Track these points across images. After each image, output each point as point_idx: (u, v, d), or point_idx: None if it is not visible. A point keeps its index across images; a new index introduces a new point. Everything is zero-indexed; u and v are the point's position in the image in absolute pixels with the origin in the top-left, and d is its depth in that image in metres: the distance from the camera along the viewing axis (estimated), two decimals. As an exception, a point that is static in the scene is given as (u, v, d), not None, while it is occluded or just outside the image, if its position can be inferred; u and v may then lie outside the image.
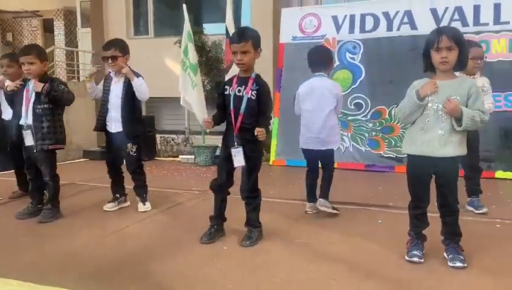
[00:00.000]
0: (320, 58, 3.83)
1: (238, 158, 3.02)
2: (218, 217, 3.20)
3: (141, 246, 3.08)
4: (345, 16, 6.60)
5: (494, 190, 4.65)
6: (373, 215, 3.81)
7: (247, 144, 3.04)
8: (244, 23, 8.62)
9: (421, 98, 2.54)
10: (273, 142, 6.74)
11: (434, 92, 2.54)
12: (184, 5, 6.65)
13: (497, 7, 5.80)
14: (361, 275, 2.53)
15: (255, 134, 2.88)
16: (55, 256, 2.89)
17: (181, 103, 6.66)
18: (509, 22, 5.71)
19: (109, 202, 4.04)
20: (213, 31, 8.46)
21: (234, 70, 6.20)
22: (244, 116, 3.01)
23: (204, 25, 8.68)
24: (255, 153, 3.10)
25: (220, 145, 6.76)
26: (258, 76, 3.09)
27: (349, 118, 6.27)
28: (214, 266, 2.71)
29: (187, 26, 6.60)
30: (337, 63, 6.38)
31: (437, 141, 2.55)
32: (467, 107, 2.54)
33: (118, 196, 4.07)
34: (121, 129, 3.85)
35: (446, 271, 2.56)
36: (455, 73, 2.68)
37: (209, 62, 7.59)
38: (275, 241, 3.12)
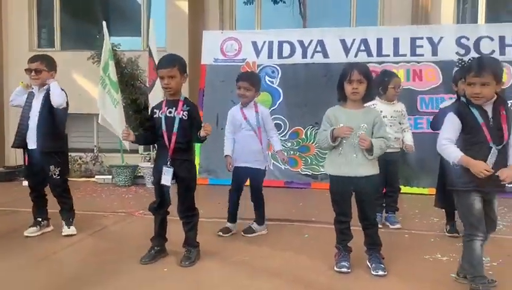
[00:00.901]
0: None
1: (167, 177, 3.09)
2: (159, 237, 3.23)
3: (74, 273, 2.98)
4: (264, 41, 7.00)
5: (399, 204, 5.22)
6: (299, 230, 4.09)
7: (182, 165, 3.13)
8: (159, 43, 8.59)
9: (334, 140, 2.86)
10: (196, 161, 6.81)
11: (347, 136, 2.85)
12: (104, 22, 6.52)
13: (396, 41, 6.61)
14: (300, 287, 2.74)
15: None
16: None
17: (99, 121, 6.47)
18: (406, 55, 6.53)
19: (30, 227, 3.81)
20: (127, 46, 8.38)
21: (156, 89, 6.30)
22: (178, 136, 3.09)
23: (117, 39, 8.54)
24: (190, 173, 3.21)
25: (139, 164, 6.73)
26: (186, 98, 3.22)
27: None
28: (154, 288, 2.73)
29: (107, 43, 6.47)
30: (257, 85, 6.70)
31: (353, 163, 2.89)
32: (372, 133, 2.92)
33: (40, 219, 3.86)
34: (44, 148, 3.70)
35: (370, 279, 2.88)
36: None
37: (124, 79, 7.48)
38: (213, 261, 3.22)
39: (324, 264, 3.10)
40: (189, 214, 3.20)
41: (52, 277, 2.90)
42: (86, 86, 8.43)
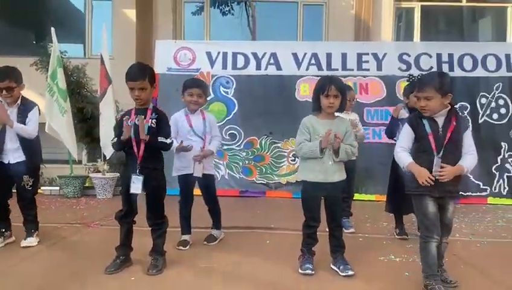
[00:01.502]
0: None
1: (137, 185, 3.08)
2: (124, 246, 3.20)
3: (39, 285, 2.88)
4: (218, 52, 7.09)
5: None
6: (260, 237, 4.20)
7: (151, 173, 3.14)
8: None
9: (323, 152, 3.03)
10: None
11: (333, 143, 3.03)
12: (52, 29, 6.32)
13: (343, 56, 6.97)
14: (269, 290, 2.85)
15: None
16: None
17: (46, 130, 6.22)
18: (353, 69, 6.91)
19: (-5, 238, 3.65)
20: (73, 53, 8.14)
21: (107, 98, 6.18)
22: (147, 145, 3.09)
23: (61, 45, 8.29)
24: (159, 181, 3.22)
25: (89, 175, 6.54)
26: (154, 107, 3.24)
27: (225, 147, 6.68)
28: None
29: (56, 50, 6.27)
30: (212, 95, 6.78)
31: (329, 170, 3.08)
32: (342, 141, 3.12)
33: (4, 230, 3.74)
34: (20, 160, 3.67)
35: (333, 280, 3.04)
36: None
37: (70, 87, 7.25)
38: (180, 268, 3.23)
39: (288, 268, 3.22)
40: (159, 222, 3.22)
41: (16, 289, 2.79)
42: (26, 94, 8.06)
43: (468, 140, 2.76)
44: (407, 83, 4.36)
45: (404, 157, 2.80)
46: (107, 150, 6.17)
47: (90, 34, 9.44)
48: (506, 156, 6.53)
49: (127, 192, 3.14)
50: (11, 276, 3.05)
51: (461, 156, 2.75)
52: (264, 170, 6.68)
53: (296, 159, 6.61)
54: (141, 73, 3.08)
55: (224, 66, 7.05)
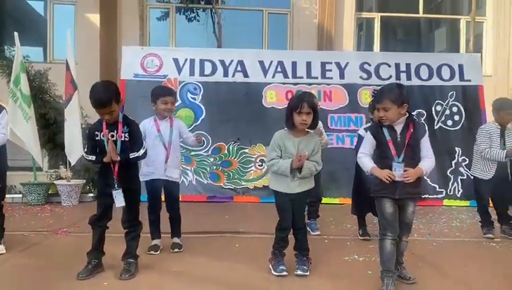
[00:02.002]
0: None
1: (119, 199, 3.15)
2: (96, 251, 3.23)
3: (8, 293, 2.88)
4: (186, 59, 7.17)
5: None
6: (230, 241, 4.30)
7: (127, 179, 3.20)
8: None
9: (293, 171, 3.18)
10: (116, 178, 6.70)
11: (301, 163, 3.16)
12: (16, 33, 6.18)
13: (308, 65, 7.21)
14: (240, 290, 2.96)
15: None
16: None
17: (9, 137, 6.06)
18: (317, 77, 7.15)
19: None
20: (34, 58, 7.99)
21: (72, 104, 6.12)
22: (122, 160, 3.16)
23: (23, 49, 8.10)
24: (135, 185, 3.31)
25: (54, 182, 6.44)
26: (124, 116, 3.27)
27: (192, 153, 6.74)
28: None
29: (19, 55, 6.15)
30: (180, 102, 6.84)
31: (293, 184, 3.24)
32: (308, 158, 3.24)
33: None
34: None
35: (301, 278, 3.18)
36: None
37: (32, 92, 7.10)
38: (152, 273, 3.29)
39: (259, 270, 3.35)
40: (135, 223, 3.30)
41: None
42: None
43: (425, 145, 2.98)
44: (372, 96, 4.54)
45: (366, 162, 3.00)
46: (72, 156, 6.10)
47: (52, 38, 9.30)
48: (460, 160, 6.94)
49: (103, 198, 3.19)
50: (-20, 285, 3.02)
51: (420, 160, 2.97)
52: (231, 175, 6.79)
53: (263, 164, 6.77)
54: (108, 98, 3.05)
55: (192, 73, 7.12)
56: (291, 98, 3.35)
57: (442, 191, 6.81)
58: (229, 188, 6.74)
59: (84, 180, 6.59)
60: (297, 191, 3.26)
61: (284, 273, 3.21)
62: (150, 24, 9.50)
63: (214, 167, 6.79)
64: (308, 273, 3.24)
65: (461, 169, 6.90)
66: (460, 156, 6.94)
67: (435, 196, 6.76)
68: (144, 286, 3.05)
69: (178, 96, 6.85)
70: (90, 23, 8.97)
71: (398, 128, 2.97)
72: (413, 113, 3.49)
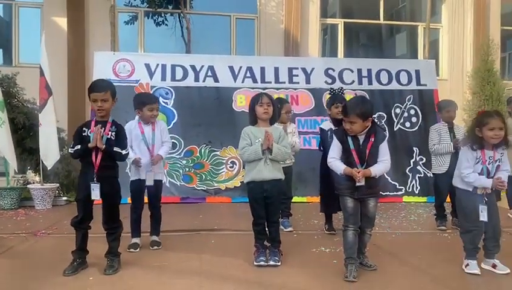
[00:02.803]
0: None
1: (96, 192, 3.34)
2: (80, 250, 3.42)
3: (-2, 291, 3.03)
4: (157, 64, 7.36)
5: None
6: (206, 238, 4.56)
7: (107, 181, 3.39)
8: (35, 60, 8.16)
9: (264, 153, 3.49)
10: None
11: (270, 143, 3.49)
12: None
13: (276, 70, 7.56)
14: (221, 281, 3.24)
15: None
16: None
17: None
18: (285, 82, 7.51)
19: None
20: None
21: (48, 109, 6.20)
22: (103, 154, 3.36)
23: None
24: (114, 188, 3.49)
25: (28, 186, 6.47)
26: (114, 121, 3.50)
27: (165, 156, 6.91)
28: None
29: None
30: (152, 106, 7.00)
31: (265, 169, 3.54)
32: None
33: None
34: None
35: (278, 269, 3.48)
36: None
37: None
38: (134, 268, 3.50)
39: (236, 261, 3.65)
40: (114, 226, 3.49)
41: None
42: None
43: (383, 150, 3.33)
44: (329, 94, 4.93)
45: (337, 164, 3.34)
46: (49, 160, 6.18)
47: (17, 42, 9.23)
48: (417, 159, 7.45)
49: (84, 199, 3.38)
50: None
51: None
52: (203, 177, 7.03)
53: (234, 165, 7.06)
54: (104, 86, 3.39)
55: (163, 78, 7.32)
56: (253, 96, 3.70)
57: (402, 189, 7.29)
58: (201, 189, 6.97)
59: (58, 184, 6.66)
60: (269, 177, 3.54)
61: (262, 263, 3.52)
62: (118, 28, 9.51)
63: (187, 169, 7.01)
64: (279, 263, 3.55)
65: (419, 167, 7.41)
66: (418, 156, 7.45)
67: (395, 193, 7.23)
68: (128, 279, 3.26)
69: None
70: (57, 27, 8.94)
71: (361, 138, 3.32)
72: (375, 117, 3.86)
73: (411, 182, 7.36)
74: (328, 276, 3.35)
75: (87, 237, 3.46)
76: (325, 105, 7.35)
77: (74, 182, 7.07)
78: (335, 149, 3.40)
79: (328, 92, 5.06)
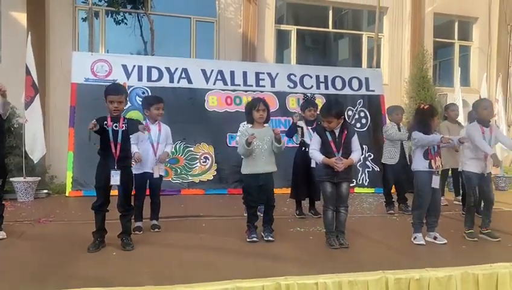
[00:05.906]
0: None
1: (116, 178, 3.94)
2: (101, 230, 3.98)
3: (37, 263, 3.51)
4: (134, 65, 7.84)
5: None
6: (196, 222, 5.21)
7: (124, 170, 3.99)
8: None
9: (249, 144, 4.18)
10: (69, 175, 7.17)
11: (253, 139, 4.19)
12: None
13: (244, 74, 8.30)
14: (223, 252, 3.93)
15: None
16: None
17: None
18: (252, 85, 8.28)
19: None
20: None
21: (34, 105, 6.50)
22: (122, 145, 3.97)
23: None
24: (129, 177, 4.11)
25: (10, 179, 6.70)
26: (124, 117, 4.10)
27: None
28: (123, 264, 3.53)
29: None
30: (129, 104, 7.47)
31: (262, 163, 4.28)
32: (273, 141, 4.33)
33: None
34: None
35: (265, 244, 4.23)
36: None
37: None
38: (147, 246, 4.08)
39: (231, 239, 4.36)
40: (129, 208, 4.10)
41: (15, 268, 3.39)
42: None
43: (355, 142, 4.23)
44: (304, 100, 5.82)
45: (317, 155, 4.16)
46: (35, 155, 6.52)
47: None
48: (366, 155, 8.50)
49: (104, 186, 3.95)
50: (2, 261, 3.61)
51: (351, 152, 4.20)
52: (178, 171, 7.62)
53: (207, 160, 7.74)
54: (121, 90, 4.00)
55: (140, 78, 7.81)
56: (250, 100, 4.48)
57: (353, 181, 8.30)
58: (176, 182, 7.56)
59: (40, 178, 6.96)
60: (264, 170, 4.29)
61: (254, 239, 4.26)
62: (78, 26, 9.30)
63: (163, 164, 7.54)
64: (274, 239, 4.31)
65: (368, 163, 8.47)
66: (367, 152, 8.50)
67: (347, 185, 8.22)
68: (147, 253, 3.86)
69: (128, 99, 7.47)
70: (16, 23, 8.62)
71: (337, 131, 4.17)
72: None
73: (361, 175, 8.40)
74: (310, 247, 4.18)
75: (105, 218, 4.03)
76: (288, 106, 8.26)
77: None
78: (315, 142, 4.23)
79: (303, 97, 5.93)
